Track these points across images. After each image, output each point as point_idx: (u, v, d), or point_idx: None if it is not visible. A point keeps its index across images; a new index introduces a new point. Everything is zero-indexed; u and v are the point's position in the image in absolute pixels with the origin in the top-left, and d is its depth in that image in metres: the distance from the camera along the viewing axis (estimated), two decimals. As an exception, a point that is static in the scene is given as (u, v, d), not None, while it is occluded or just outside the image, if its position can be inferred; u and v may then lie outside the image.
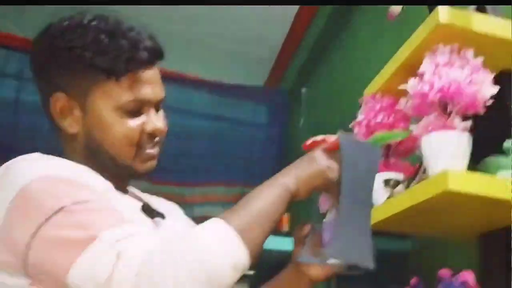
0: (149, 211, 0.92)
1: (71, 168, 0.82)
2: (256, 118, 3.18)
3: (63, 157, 0.86)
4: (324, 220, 0.94)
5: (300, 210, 2.72)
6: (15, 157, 0.82)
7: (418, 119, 1.08)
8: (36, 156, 0.83)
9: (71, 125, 0.88)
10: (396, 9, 1.21)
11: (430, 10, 1.10)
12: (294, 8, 2.87)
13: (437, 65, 0.98)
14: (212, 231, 0.72)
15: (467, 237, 1.18)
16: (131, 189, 0.99)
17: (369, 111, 1.22)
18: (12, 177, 0.78)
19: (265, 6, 2.69)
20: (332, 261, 0.87)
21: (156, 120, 0.90)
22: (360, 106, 1.28)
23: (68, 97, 0.87)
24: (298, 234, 0.96)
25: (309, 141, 0.91)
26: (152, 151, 0.91)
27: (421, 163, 1.16)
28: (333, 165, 0.86)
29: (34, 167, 0.78)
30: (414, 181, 1.11)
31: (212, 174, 2.93)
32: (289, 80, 3.23)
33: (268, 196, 0.79)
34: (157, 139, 0.91)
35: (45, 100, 0.90)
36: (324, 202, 0.94)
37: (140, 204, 0.92)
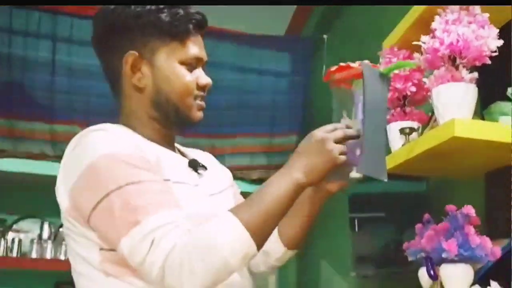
0: (194, 165, 1.06)
1: (131, 142, 0.95)
2: (280, 67, 3.21)
3: (124, 112, 1.05)
4: None
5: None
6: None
7: (431, 72, 1.18)
8: (105, 128, 0.96)
9: (140, 80, 1.03)
10: None
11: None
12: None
13: (446, 22, 1.07)
14: (226, 227, 0.85)
15: (474, 176, 1.29)
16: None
17: (388, 63, 1.31)
18: (84, 150, 0.92)
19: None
20: (354, 175, 0.98)
21: (205, 76, 1.06)
22: (380, 58, 1.37)
23: (138, 55, 1.02)
24: None
25: (333, 68, 0.98)
26: (202, 102, 1.07)
27: (433, 112, 1.27)
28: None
29: (102, 143, 0.92)
30: (427, 129, 1.22)
31: (239, 126, 3.02)
32: (310, 27, 3.27)
33: (279, 194, 0.89)
34: (205, 92, 1.07)
35: (114, 63, 1.04)
36: None
37: (186, 160, 1.06)
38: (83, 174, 0.90)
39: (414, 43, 1.13)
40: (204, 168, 1.09)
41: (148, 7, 1.02)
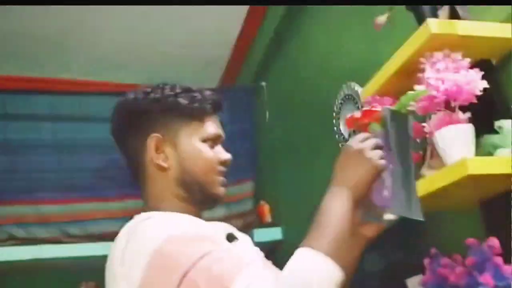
0: (231, 239, 1.08)
1: (185, 222, 0.97)
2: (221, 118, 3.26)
3: (150, 196, 1.07)
4: None
5: (278, 201, 2.91)
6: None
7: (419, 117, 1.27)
8: (150, 216, 0.97)
9: (164, 160, 1.07)
10: (381, 19, 1.39)
11: (418, 20, 1.29)
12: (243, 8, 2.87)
13: (438, 71, 1.17)
14: (312, 263, 0.86)
15: (470, 207, 1.38)
16: None
17: (372, 112, 1.38)
18: (142, 240, 0.91)
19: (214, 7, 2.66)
20: (389, 217, 1.02)
21: (225, 152, 1.12)
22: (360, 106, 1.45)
23: (162, 137, 1.08)
24: None
25: (357, 114, 1.03)
26: (224, 178, 1.11)
27: (424, 150, 1.36)
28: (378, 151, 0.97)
29: (158, 228, 0.92)
30: (425, 167, 1.31)
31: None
32: (245, 78, 3.35)
33: (342, 213, 0.92)
34: (226, 168, 1.11)
35: (136, 146, 1.08)
36: None
37: (223, 231, 1.08)
38: (151, 264, 0.88)
39: (409, 93, 1.21)
40: (236, 239, 1.11)
41: (166, 92, 1.08)
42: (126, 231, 0.95)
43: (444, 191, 1.18)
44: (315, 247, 0.87)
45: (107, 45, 3.02)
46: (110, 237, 2.91)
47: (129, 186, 2.94)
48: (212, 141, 1.10)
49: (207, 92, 1.12)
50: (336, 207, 0.93)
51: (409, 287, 1.55)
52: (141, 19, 2.87)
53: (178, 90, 1.10)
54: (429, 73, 1.18)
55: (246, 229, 2.49)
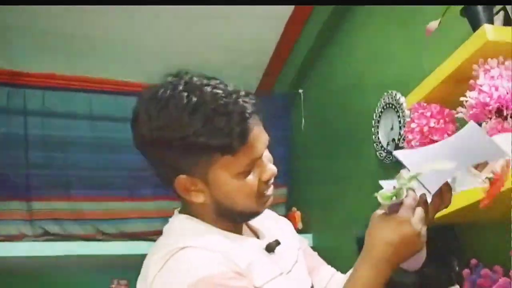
0: (271, 249, 1.04)
1: (221, 255, 0.91)
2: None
3: (187, 212, 1.00)
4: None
5: (310, 208, 2.89)
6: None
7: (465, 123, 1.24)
8: (192, 244, 0.91)
9: (197, 196, 0.97)
10: (433, 24, 1.37)
11: (473, 27, 1.27)
12: (288, 9, 2.81)
13: (492, 78, 1.15)
14: None
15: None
16: None
17: (420, 117, 1.37)
18: (178, 272, 0.88)
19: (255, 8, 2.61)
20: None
21: (268, 166, 0.98)
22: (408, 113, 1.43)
23: (190, 176, 0.95)
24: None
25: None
26: (270, 192, 1.01)
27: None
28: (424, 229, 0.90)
29: (195, 263, 0.88)
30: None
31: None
32: (283, 84, 3.35)
33: None
34: (271, 181, 1.00)
35: (166, 178, 0.98)
36: None
37: (261, 242, 1.05)
38: None
39: (462, 99, 1.19)
40: (278, 243, 1.06)
41: (198, 117, 0.90)
42: (163, 255, 0.90)
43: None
44: None
45: (149, 47, 3.06)
46: (144, 236, 2.94)
47: (163, 186, 3.00)
48: (254, 162, 0.95)
49: (235, 118, 0.90)
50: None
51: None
52: (185, 23, 2.89)
53: (198, 124, 0.89)
54: (482, 80, 1.15)
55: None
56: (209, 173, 0.94)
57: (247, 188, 0.95)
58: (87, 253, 2.77)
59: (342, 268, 1.21)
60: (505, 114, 1.15)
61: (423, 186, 0.92)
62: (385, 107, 2.10)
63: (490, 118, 1.17)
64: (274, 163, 1.00)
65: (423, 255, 0.99)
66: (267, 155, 1.00)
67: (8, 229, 2.77)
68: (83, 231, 2.85)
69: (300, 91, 3.12)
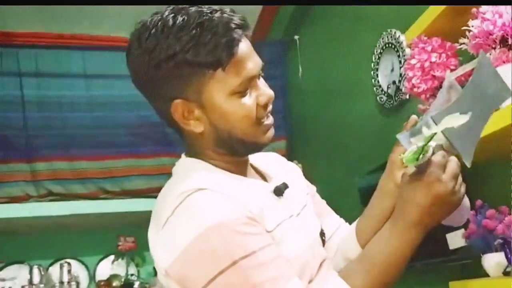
0: (279, 192, 1.01)
1: (234, 199, 0.88)
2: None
3: (192, 154, 0.99)
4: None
5: (311, 159, 2.87)
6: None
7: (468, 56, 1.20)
8: (203, 186, 0.88)
9: (196, 125, 0.95)
10: None
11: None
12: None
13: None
14: None
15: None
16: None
17: (421, 53, 1.33)
18: (189, 217, 0.85)
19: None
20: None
21: (264, 89, 0.95)
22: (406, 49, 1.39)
23: (186, 101, 0.93)
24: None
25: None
26: (269, 121, 0.98)
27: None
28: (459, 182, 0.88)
29: (207, 209, 0.86)
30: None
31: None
32: (278, 32, 3.28)
33: (396, 259, 0.91)
34: (269, 107, 0.97)
35: (164, 111, 0.96)
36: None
37: (269, 185, 1.02)
38: (190, 247, 0.83)
39: (464, 28, 1.15)
40: (287, 186, 1.03)
41: (183, 34, 0.89)
42: (175, 196, 0.88)
43: (494, 137, 1.13)
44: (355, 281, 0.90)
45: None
46: (146, 193, 2.95)
47: (163, 143, 3.00)
48: (246, 86, 0.92)
49: (220, 30, 0.89)
50: (388, 248, 0.92)
51: (449, 241, 1.51)
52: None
53: (184, 40, 0.88)
54: (484, 7, 1.11)
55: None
56: (203, 94, 0.92)
57: (244, 110, 0.93)
58: (91, 212, 2.78)
59: (345, 218, 1.20)
60: (510, 42, 1.11)
61: (448, 140, 0.88)
62: (384, 47, 2.05)
63: (494, 48, 1.13)
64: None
65: (466, 208, 0.97)
66: (263, 82, 0.98)
67: (12, 190, 2.79)
68: (86, 190, 2.86)
69: (296, 37, 3.05)
